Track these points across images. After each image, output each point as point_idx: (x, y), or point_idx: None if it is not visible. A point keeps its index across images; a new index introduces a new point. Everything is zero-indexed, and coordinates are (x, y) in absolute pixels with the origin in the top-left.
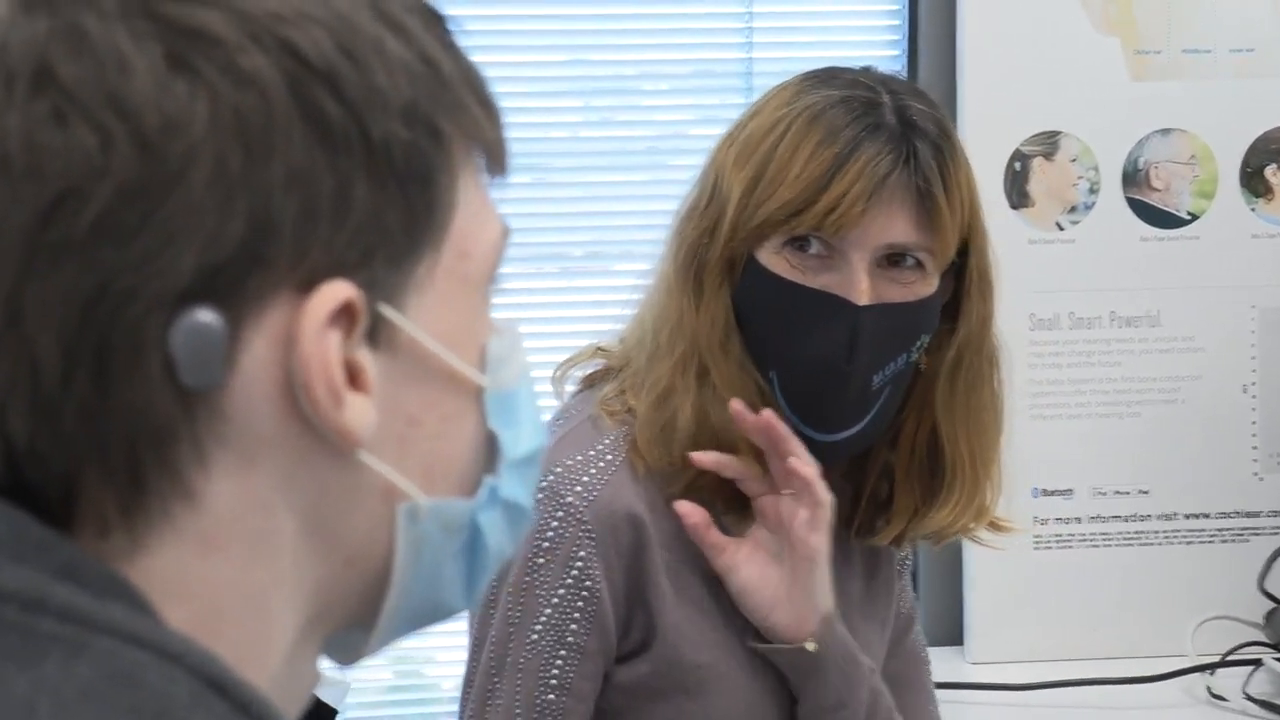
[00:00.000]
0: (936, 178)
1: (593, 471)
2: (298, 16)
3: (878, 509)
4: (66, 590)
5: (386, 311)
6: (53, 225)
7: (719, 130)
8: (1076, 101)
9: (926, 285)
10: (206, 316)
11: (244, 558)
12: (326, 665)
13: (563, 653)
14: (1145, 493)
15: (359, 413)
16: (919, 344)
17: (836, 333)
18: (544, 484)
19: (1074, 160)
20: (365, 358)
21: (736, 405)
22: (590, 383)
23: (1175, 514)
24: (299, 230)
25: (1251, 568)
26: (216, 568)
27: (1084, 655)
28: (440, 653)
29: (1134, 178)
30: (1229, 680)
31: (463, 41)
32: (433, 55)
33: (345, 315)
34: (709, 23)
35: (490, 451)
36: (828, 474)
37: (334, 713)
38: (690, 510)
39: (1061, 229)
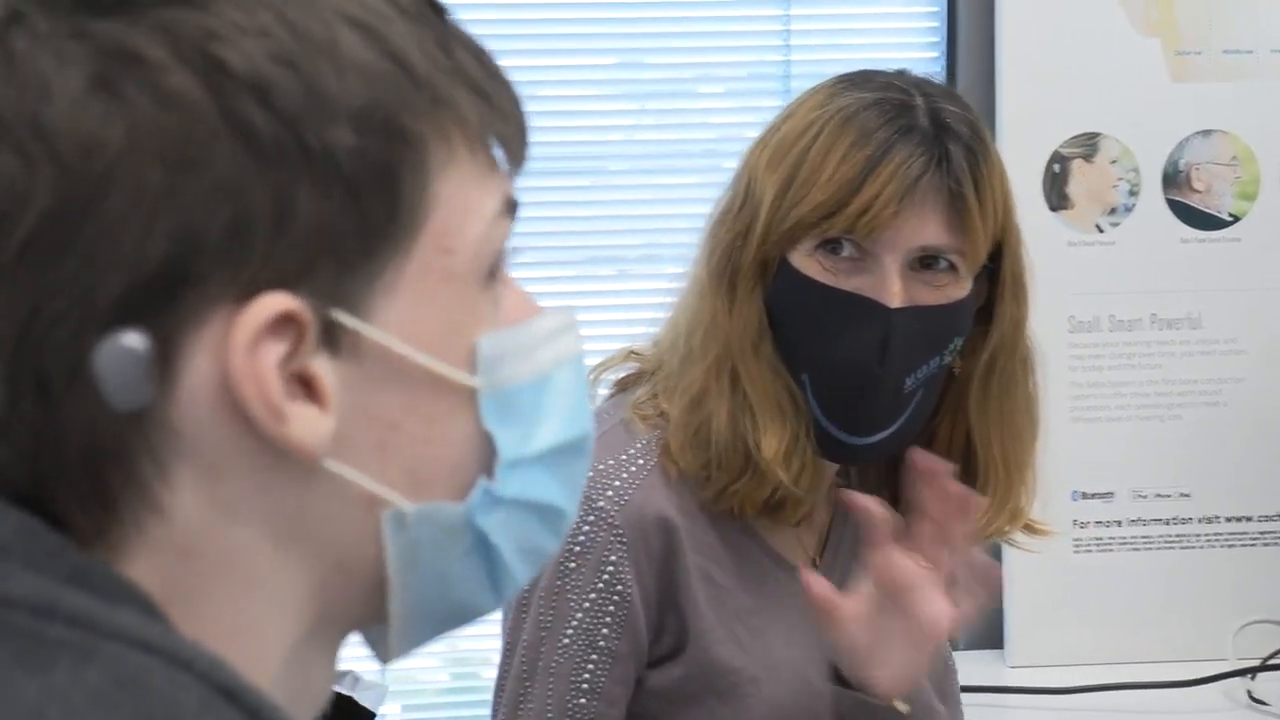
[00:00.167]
0: (969, 180)
1: (624, 476)
2: (232, 31)
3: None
4: (76, 596)
5: (343, 318)
6: None
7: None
8: (1116, 103)
9: (959, 288)
10: (128, 338)
11: (219, 566)
12: (366, 668)
13: (594, 657)
14: (1186, 495)
15: (307, 425)
16: (951, 347)
17: (869, 335)
18: None
19: (1114, 162)
20: (322, 367)
21: (920, 457)
22: (623, 386)
23: (1216, 517)
24: (230, 244)
25: None
26: (194, 577)
27: (1124, 659)
28: (497, 654)
29: (1175, 179)
30: (1270, 684)
31: (464, 30)
32: (403, 52)
33: (289, 326)
34: (746, 25)
35: (489, 453)
36: (862, 477)
37: (371, 715)
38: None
39: (1101, 231)
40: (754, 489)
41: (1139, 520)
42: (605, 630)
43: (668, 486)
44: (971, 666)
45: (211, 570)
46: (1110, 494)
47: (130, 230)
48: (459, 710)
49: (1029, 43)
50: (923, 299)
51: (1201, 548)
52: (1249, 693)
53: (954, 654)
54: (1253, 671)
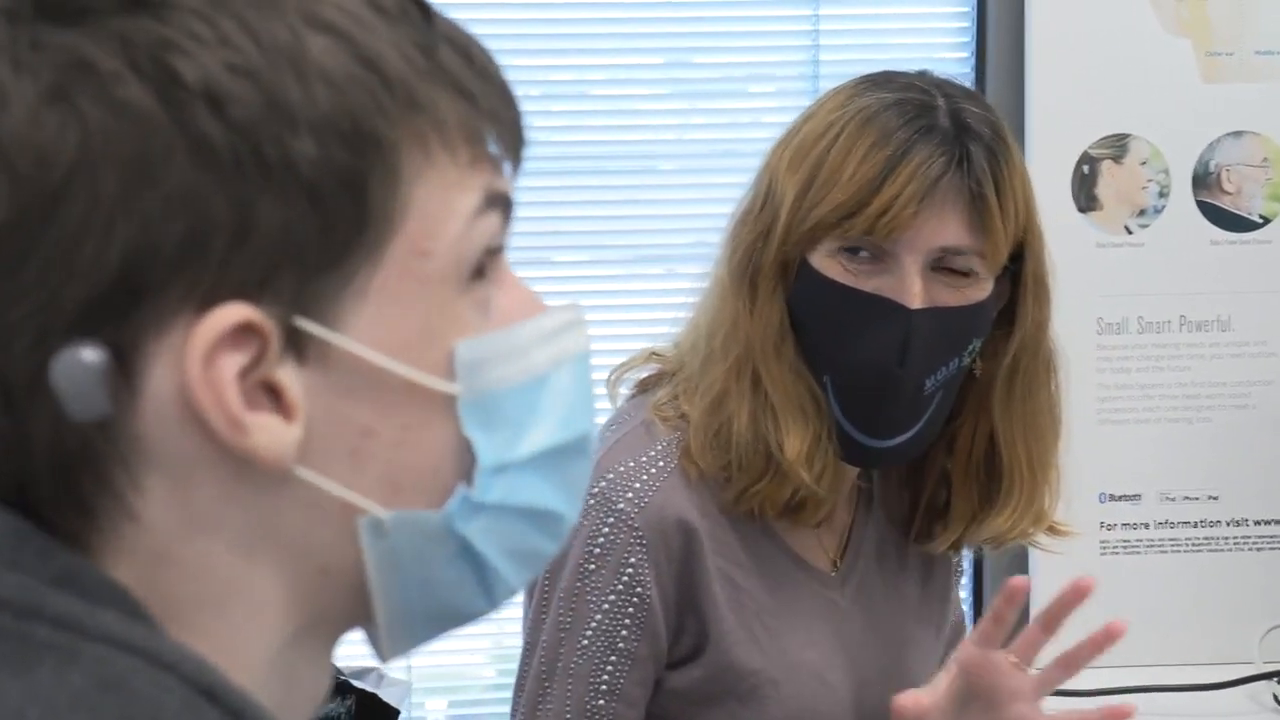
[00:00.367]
0: (989, 181)
1: (644, 478)
2: (189, 41)
3: (935, 515)
4: (61, 598)
5: (308, 326)
6: None
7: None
8: (1146, 104)
9: (979, 289)
10: (82, 351)
11: (195, 573)
12: (390, 665)
13: (613, 658)
14: (1215, 498)
15: (271, 435)
16: (970, 348)
17: (888, 336)
18: (595, 490)
19: (1143, 163)
20: (288, 376)
21: (1020, 583)
22: (645, 387)
23: (1245, 520)
24: (188, 255)
25: None
26: (169, 581)
27: (1150, 662)
28: None
29: (1205, 181)
30: None
31: (455, 28)
32: (376, 56)
33: (251, 336)
34: (775, 25)
35: (470, 459)
36: (884, 479)
37: (396, 712)
38: (906, 703)
39: (1130, 232)
40: (775, 490)
41: (1166, 523)
42: (624, 632)
43: (688, 488)
44: None
45: (188, 576)
46: (1138, 496)
47: (87, 241)
48: (505, 706)
49: (1059, 43)
50: (943, 300)
51: (1229, 551)
52: (1275, 696)
53: None
54: (1279, 675)
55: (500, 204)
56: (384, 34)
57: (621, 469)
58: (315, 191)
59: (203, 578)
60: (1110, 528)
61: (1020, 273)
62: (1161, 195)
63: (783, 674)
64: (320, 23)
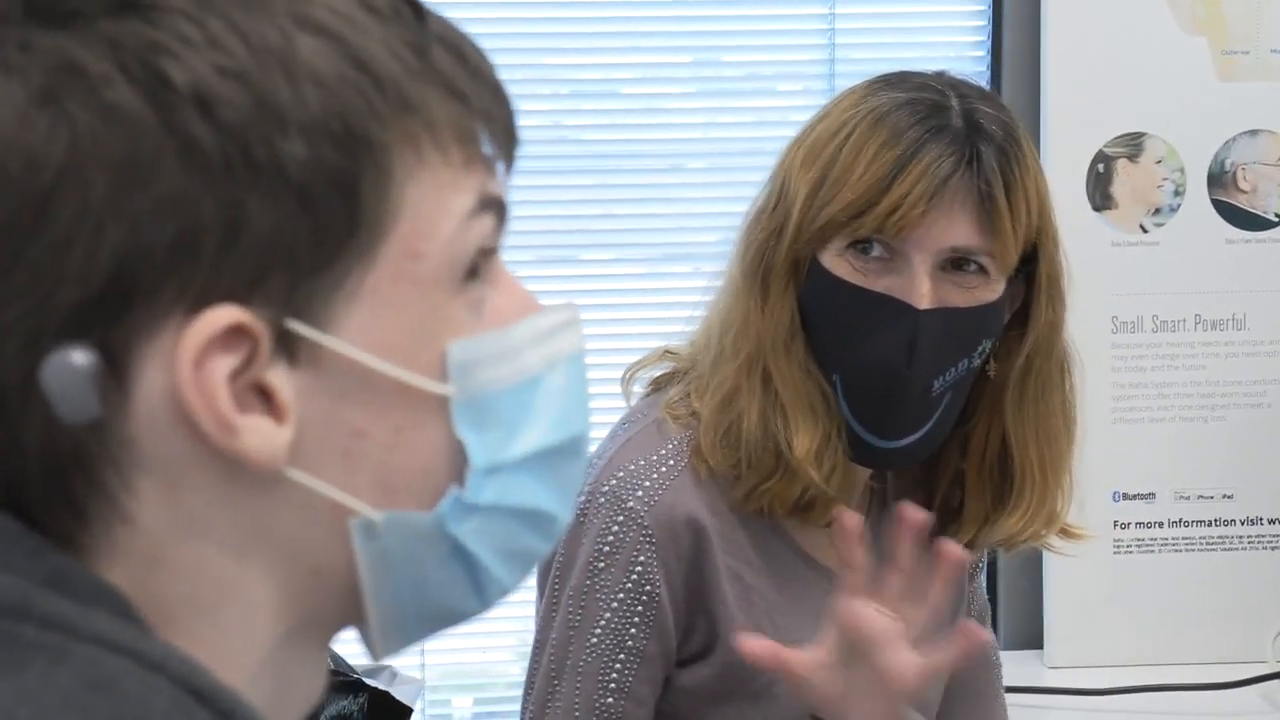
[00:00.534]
0: (999, 181)
1: (655, 476)
2: (178, 44)
3: (949, 516)
4: (51, 598)
5: (299, 328)
6: None
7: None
8: (1162, 102)
9: (990, 290)
10: (73, 354)
11: (187, 574)
12: (403, 664)
13: (622, 656)
14: (1229, 497)
15: (261, 437)
16: (980, 349)
17: (897, 336)
18: (606, 488)
19: (1159, 162)
20: (279, 378)
21: (852, 519)
22: (658, 385)
23: (1259, 519)
24: (178, 258)
25: None
26: (161, 583)
27: (1163, 661)
28: None
29: (1220, 179)
30: None
31: (449, 27)
32: (367, 57)
33: (242, 338)
34: (790, 24)
35: (463, 460)
36: (898, 479)
37: (408, 711)
38: (756, 647)
39: (1145, 231)
40: (784, 489)
41: (1180, 522)
42: (633, 630)
43: (698, 486)
44: (1011, 667)
45: (180, 578)
46: (1152, 495)
47: (77, 244)
48: None
49: (1074, 41)
50: (952, 300)
51: (1244, 550)
52: None
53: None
54: None
55: (494, 206)
56: (376, 34)
57: (632, 467)
58: (306, 193)
59: (195, 579)
60: (1124, 526)
61: (1034, 274)
62: (1177, 194)
63: None
64: (310, 24)
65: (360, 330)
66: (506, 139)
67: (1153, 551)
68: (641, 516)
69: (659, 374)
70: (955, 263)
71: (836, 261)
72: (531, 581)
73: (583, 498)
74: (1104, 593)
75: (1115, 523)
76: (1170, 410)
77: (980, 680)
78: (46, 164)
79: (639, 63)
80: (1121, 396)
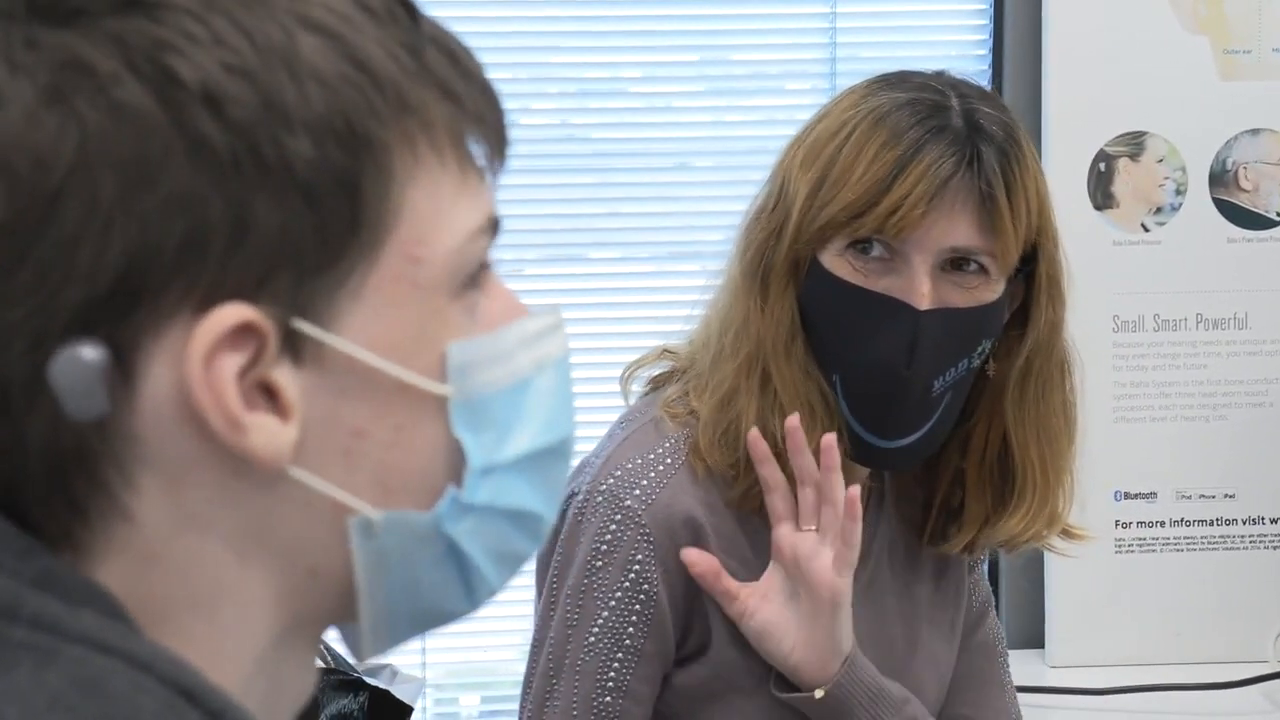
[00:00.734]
0: (999, 181)
1: (652, 475)
2: (185, 41)
3: (950, 516)
4: (40, 599)
5: (304, 327)
6: None
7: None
8: (1163, 101)
9: (990, 290)
10: (82, 350)
11: (186, 572)
12: (404, 663)
13: (620, 655)
14: (1231, 496)
15: (268, 435)
16: (980, 350)
17: (896, 336)
18: (604, 487)
19: (1160, 161)
20: (285, 376)
21: (793, 421)
22: (657, 384)
23: (1261, 518)
24: (187, 256)
25: None
26: (160, 581)
27: (1164, 660)
28: None
29: (1222, 178)
30: None
31: (441, 29)
32: (366, 57)
33: (249, 336)
34: (792, 22)
35: (459, 460)
36: (898, 479)
37: (409, 709)
38: (697, 559)
39: (1147, 230)
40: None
41: (1182, 521)
42: (631, 629)
43: (695, 485)
44: (1012, 666)
45: (179, 575)
46: (1153, 494)
47: (85, 243)
48: None
49: (1076, 40)
50: (953, 301)
51: (1245, 549)
52: None
53: None
54: None
55: (495, 224)
56: (372, 34)
57: (629, 466)
58: (311, 192)
59: (193, 577)
60: (1126, 526)
61: (1034, 273)
62: (1178, 193)
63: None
64: (310, 22)
65: (362, 330)
66: (498, 141)
67: (1154, 551)
68: (639, 515)
69: (657, 373)
70: (955, 263)
71: (836, 261)
72: (532, 580)
73: (581, 496)
74: (1105, 592)
75: (1117, 522)
76: (1172, 409)
77: (986, 669)
78: (55, 164)
79: (646, 61)
80: (1123, 396)
